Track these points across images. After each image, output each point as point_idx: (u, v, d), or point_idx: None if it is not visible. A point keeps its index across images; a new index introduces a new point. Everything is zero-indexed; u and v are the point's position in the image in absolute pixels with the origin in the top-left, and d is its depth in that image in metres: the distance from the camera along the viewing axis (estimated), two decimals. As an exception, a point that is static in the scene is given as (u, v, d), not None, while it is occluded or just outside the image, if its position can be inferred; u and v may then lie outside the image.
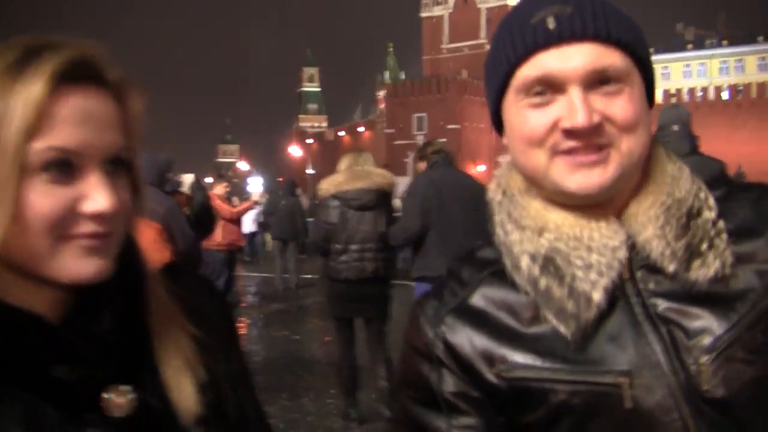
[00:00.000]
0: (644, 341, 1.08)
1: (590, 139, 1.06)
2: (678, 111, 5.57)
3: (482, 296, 1.19)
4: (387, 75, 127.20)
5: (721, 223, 1.13)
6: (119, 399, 0.94)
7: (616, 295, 1.11)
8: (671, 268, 1.10)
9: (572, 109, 1.06)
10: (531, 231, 1.16)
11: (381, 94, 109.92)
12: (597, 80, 1.07)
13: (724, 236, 1.12)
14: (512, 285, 1.16)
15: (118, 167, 0.94)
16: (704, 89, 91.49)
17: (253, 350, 9.85)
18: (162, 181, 6.04)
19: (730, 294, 1.09)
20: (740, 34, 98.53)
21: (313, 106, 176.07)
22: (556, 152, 1.09)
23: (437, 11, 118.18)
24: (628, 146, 1.08)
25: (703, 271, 1.09)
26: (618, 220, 1.14)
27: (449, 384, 1.18)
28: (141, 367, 0.99)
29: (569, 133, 1.06)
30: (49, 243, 0.89)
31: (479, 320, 1.18)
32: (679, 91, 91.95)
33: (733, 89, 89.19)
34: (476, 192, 5.77)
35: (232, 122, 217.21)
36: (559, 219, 1.15)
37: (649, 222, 1.12)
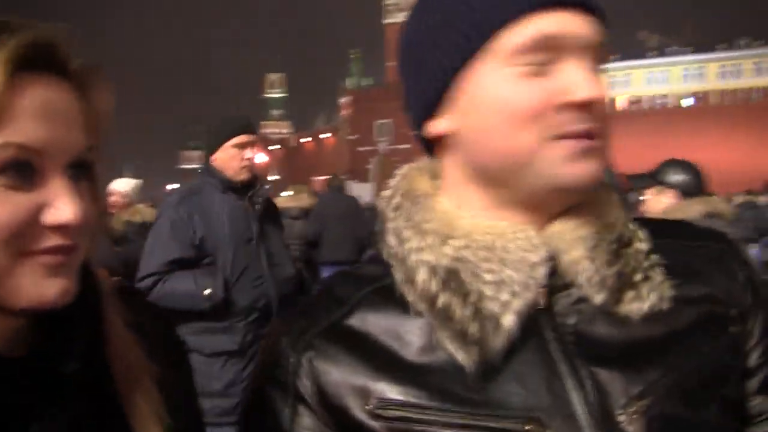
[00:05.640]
0: (559, 385, 0.91)
1: (595, 121, 0.91)
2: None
3: (362, 317, 0.99)
4: (351, 81, 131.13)
5: (654, 257, 1.00)
6: None
7: (528, 326, 0.93)
8: (599, 298, 0.95)
9: (582, 78, 0.90)
10: (434, 237, 0.97)
11: (344, 100, 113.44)
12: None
13: (660, 270, 0.99)
14: (400, 305, 0.97)
15: (81, 171, 0.82)
16: (665, 96, 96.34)
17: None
18: None
19: (667, 335, 0.96)
20: (703, 42, 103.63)
21: (277, 112, 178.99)
22: (553, 135, 0.91)
23: (400, 17, 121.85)
24: (607, 135, 0.93)
25: (636, 305, 0.95)
26: (539, 235, 0.97)
27: (305, 425, 0.99)
28: (104, 416, 0.86)
29: (578, 108, 0.90)
30: (4, 260, 0.75)
31: (356, 345, 0.98)
32: (640, 98, 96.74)
33: (697, 96, 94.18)
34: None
35: (196, 128, 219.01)
36: (471, 224, 0.97)
37: (577, 242, 0.96)
